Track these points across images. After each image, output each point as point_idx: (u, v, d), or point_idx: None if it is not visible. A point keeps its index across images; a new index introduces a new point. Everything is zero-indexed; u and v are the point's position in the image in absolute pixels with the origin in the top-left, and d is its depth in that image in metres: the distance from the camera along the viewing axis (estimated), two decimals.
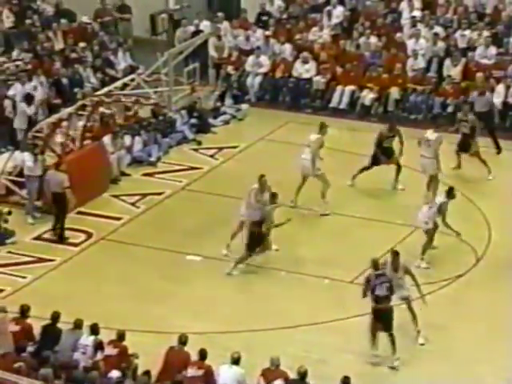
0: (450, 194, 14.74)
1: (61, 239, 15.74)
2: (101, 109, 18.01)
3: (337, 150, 17.45)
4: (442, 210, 14.61)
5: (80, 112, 17.48)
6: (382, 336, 12.62)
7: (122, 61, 21.50)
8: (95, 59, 21.07)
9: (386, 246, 14.77)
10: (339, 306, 13.65)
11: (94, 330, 12.08)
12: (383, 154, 16.77)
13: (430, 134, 16.56)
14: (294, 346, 12.83)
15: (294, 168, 16.43)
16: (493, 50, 20.09)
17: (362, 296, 12.67)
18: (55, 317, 12.34)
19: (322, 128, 16.51)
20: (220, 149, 18.83)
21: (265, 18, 22.07)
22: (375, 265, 12.86)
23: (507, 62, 19.79)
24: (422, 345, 12.94)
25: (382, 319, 12.54)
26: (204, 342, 12.25)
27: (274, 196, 14.81)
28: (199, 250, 15.22)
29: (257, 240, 14.46)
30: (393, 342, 12.53)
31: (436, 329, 13.18)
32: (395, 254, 13.08)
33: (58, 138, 17.17)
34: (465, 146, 17.36)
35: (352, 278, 14.31)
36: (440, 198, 14.82)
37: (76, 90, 19.82)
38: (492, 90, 19.21)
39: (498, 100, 19.12)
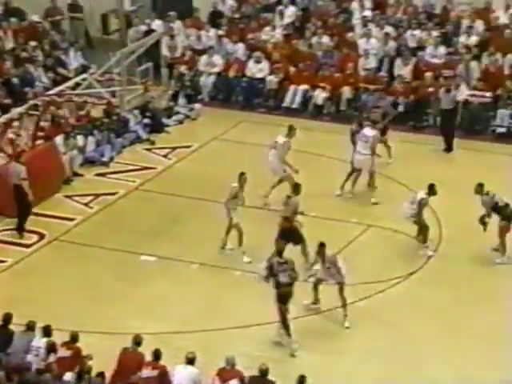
0: (431, 190, 14.92)
1: (20, 229, 15.58)
2: (52, 108, 17.85)
3: (291, 150, 17.47)
4: (421, 206, 14.76)
5: (31, 112, 17.32)
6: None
7: (74, 60, 21.34)
8: (46, 58, 20.90)
9: (339, 244, 14.90)
10: (293, 304, 13.68)
11: (47, 331, 12.00)
12: None
13: (368, 131, 16.71)
14: (249, 346, 12.87)
15: (248, 167, 16.45)
16: (442, 50, 20.34)
17: (264, 281, 13.04)
18: (7, 319, 12.23)
19: (291, 131, 16.51)
20: (173, 148, 18.79)
21: (217, 17, 22.10)
22: (279, 252, 13.26)
23: (456, 61, 20.06)
24: (348, 328, 13.26)
25: (286, 303, 12.85)
26: (158, 342, 12.22)
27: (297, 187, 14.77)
28: (154, 250, 15.18)
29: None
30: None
31: (387, 327, 13.30)
32: (321, 246, 13.43)
33: (9, 138, 16.99)
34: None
35: (306, 277, 14.38)
36: (420, 194, 14.98)
37: (27, 89, 19.63)
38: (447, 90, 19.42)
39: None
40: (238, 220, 14.84)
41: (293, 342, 12.91)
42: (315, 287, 13.65)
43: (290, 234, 14.47)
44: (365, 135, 16.61)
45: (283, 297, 12.89)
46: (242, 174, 15.02)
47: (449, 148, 18.62)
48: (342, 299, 13.41)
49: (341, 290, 13.39)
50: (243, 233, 14.86)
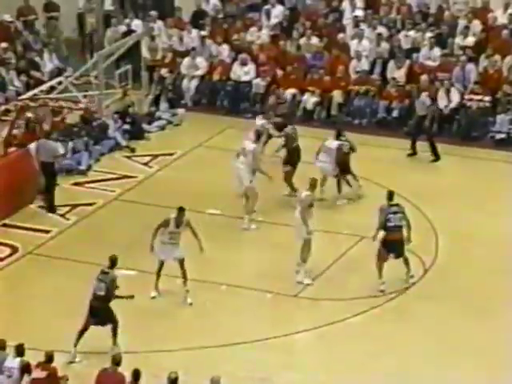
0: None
1: (51, 209, 16.56)
2: (26, 114, 17.82)
3: (279, 157, 17.49)
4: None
5: (3, 118, 17.28)
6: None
7: (49, 62, 21.31)
8: (19, 61, 20.86)
9: (331, 256, 14.92)
10: (283, 321, 13.70)
11: (20, 351, 11.91)
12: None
13: (330, 143, 16.83)
14: (236, 365, 12.84)
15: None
16: (437, 51, 20.44)
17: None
18: None
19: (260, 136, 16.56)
20: (155, 156, 18.78)
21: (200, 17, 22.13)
22: None
23: (452, 63, 20.15)
24: (191, 304, 13.72)
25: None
26: (139, 361, 12.18)
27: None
28: (134, 264, 15.13)
29: None
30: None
31: (383, 344, 13.32)
32: (180, 210, 13.99)
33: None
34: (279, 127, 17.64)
35: (296, 292, 14.40)
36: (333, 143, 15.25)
37: None
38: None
39: (442, 103, 19.44)
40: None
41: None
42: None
43: None
44: (329, 147, 16.75)
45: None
46: None
47: (436, 157, 18.53)
48: (184, 275, 14.08)
49: (182, 264, 14.11)
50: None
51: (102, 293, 13.01)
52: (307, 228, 14.56)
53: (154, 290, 14.37)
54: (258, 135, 16.67)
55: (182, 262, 14.17)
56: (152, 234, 14.20)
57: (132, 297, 13.19)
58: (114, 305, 13.15)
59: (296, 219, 14.63)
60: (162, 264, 14.35)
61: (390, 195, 14.62)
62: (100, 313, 13.03)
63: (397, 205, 14.50)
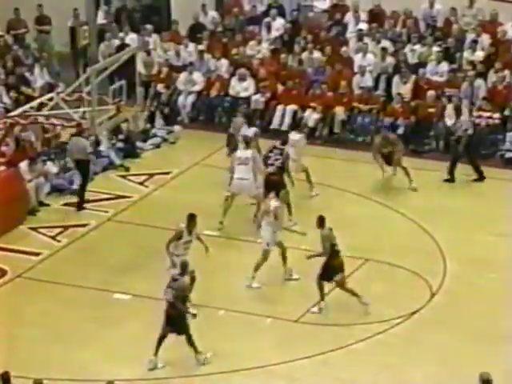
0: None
1: (81, 206, 17.51)
2: (16, 131, 17.89)
3: None
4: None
5: None
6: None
7: (39, 78, 21.42)
8: (8, 76, 20.95)
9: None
10: (284, 347, 13.70)
11: (6, 379, 11.85)
12: None
13: (294, 136, 17.16)
14: None
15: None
16: (445, 66, 20.55)
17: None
18: None
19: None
20: (151, 175, 18.84)
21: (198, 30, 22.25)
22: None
23: (460, 79, 20.25)
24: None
25: None
26: None
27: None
28: (128, 287, 15.17)
29: None
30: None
31: (387, 371, 13.31)
32: (191, 216, 14.26)
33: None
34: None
35: (297, 317, 14.41)
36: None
37: None
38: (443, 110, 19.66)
39: (450, 122, 19.50)
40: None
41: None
42: None
43: None
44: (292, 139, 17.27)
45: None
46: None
47: (452, 179, 18.47)
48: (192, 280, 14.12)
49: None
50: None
51: (172, 300, 13.23)
52: (270, 239, 14.85)
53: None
54: (246, 142, 16.79)
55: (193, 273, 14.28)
56: (168, 251, 14.28)
57: (195, 316, 13.45)
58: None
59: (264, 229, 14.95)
60: None
61: (322, 221, 14.36)
62: (174, 321, 13.25)
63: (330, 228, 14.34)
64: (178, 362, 13.57)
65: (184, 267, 13.60)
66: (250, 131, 17.81)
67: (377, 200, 17.52)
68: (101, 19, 22.95)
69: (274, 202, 15.19)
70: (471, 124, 18.82)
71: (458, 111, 19.04)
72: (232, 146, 17.99)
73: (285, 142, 17.29)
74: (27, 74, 21.22)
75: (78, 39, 22.85)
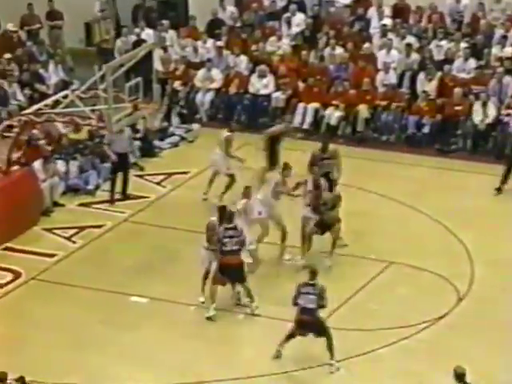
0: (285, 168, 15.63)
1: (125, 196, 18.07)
2: (32, 130, 17.99)
3: (299, 176, 17.58)
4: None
5: (5, 134, 17.43)
6: None
7: (54, 75, 21.52)
8: (22, 73, 21.05)
9: (356, 283, 14.94)
10: (306, 352, 13.72)
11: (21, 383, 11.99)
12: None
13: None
14: None
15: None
16: (472, 63, 20.51)
17: None
18: None
19: (285, 169, 16.25)
20: (168, 175, 18.90)
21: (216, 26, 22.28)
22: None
23: (488, 76, 20.21)
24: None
25: None
26: None
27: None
28: (145, 290, 15.23)
29: None
30: None
31: (412, 378, 13.30)
32: (222, 208, 14.72)
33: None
34: None
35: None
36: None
37: (0, 108, 19.77)
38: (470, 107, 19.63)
39: (477, 119, 19.50)
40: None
41: None
42: None
43: None
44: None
45: None
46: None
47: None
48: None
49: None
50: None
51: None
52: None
53: (201, 295, 14.81)
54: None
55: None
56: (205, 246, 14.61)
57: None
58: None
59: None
60: (208, 271, 14.72)
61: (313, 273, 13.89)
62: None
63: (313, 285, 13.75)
64: (193, 365, 13.62)
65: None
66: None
67: (401, 201, 17.51)
68: (97, 10, 22.92)
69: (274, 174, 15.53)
70: None
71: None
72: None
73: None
74: (41, 71, 21.31)
75: (93, 35, 22.92)
